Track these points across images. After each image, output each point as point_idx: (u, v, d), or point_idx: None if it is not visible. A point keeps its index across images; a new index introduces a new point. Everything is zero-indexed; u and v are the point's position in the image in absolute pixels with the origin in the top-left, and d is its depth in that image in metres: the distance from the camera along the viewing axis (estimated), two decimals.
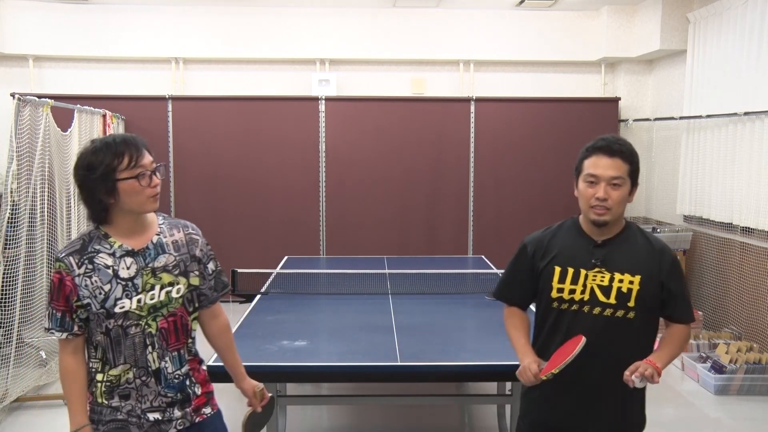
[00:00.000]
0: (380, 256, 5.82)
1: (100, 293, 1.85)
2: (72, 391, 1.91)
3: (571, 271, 2.10)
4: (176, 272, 1.94)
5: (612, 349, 2.05)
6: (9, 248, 4.15)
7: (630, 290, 2.04)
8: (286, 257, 5.53)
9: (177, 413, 1.96)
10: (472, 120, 6.71)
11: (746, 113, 4.98)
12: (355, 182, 6.70)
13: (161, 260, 1.92)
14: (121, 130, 6.33)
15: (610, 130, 6.35)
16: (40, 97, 4.63)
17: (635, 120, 6.72)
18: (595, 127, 6.34)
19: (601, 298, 2.06)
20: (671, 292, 2.08)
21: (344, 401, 4.23)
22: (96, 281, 1.85)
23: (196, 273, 2.00)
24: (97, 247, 1.87)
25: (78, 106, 5.23)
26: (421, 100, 6.76)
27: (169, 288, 1.92)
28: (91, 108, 5.53)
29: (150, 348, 1.90)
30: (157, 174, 1.89)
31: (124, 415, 1.91)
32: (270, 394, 2.22)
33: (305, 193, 6.70)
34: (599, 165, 2.05)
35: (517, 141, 6.73)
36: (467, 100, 6.72)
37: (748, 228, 5.05)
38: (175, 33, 6.60)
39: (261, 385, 2.19)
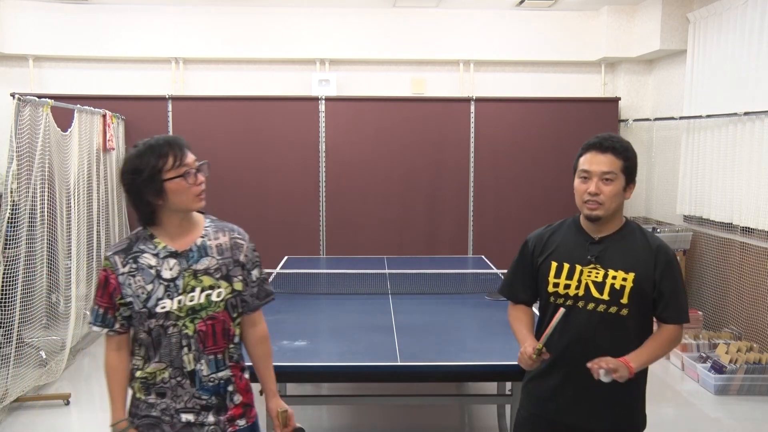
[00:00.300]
0: (380, 256, 5.83)
1: (143, 293, 1.88)
2: (112, 387, 1.95)
3: (566, 266, 2.13)
4: (218, 276, 1.94)
5: (606, 344, 2.06)
6: (9, 248, 4.15)
7: (623, 287, 2.06)
8: (286, 257, 5.53)
9: (210, 419, 1.95)
10: (472, 120, 6.71)
11: (746, 113, 4.98)
12: (355, 182, 6.70)
13: (203, 263, 1.93)
14: (121, 130, 6.33)
15: (610, 129, 6.32)
16: (40, 97, 4.64)
17: (635, 120, 6.71)
18: (595, 127, 6.30)
19: (595, 294, 2.08)
20: (662, 291, 2.09)
21: (344, 401, 4.23)
22: (139, 280, 1.88)
23: (240, 278, 1.99)
24: (142, 247, 1.92)
25: (78, 106, 5.24)
26: (421, 100, 6.76)
27: (210, 291, 1.92)
28: (91, 108, 5.53)
29: (186, 349, 1.91)
30: (201, 172, 1.93)
31: (158, 413, 1.93)
32: (299, 426, 2.06)
33: (305, 193, 6.69)
34: (592, 161, 2.09)
35: (517, 141, 6.73)
36: (467, 100, 6.72)
37: (748, 228, 5.04)
38: (175, 33, 6.60)
39: (286, 407, 2.06)
